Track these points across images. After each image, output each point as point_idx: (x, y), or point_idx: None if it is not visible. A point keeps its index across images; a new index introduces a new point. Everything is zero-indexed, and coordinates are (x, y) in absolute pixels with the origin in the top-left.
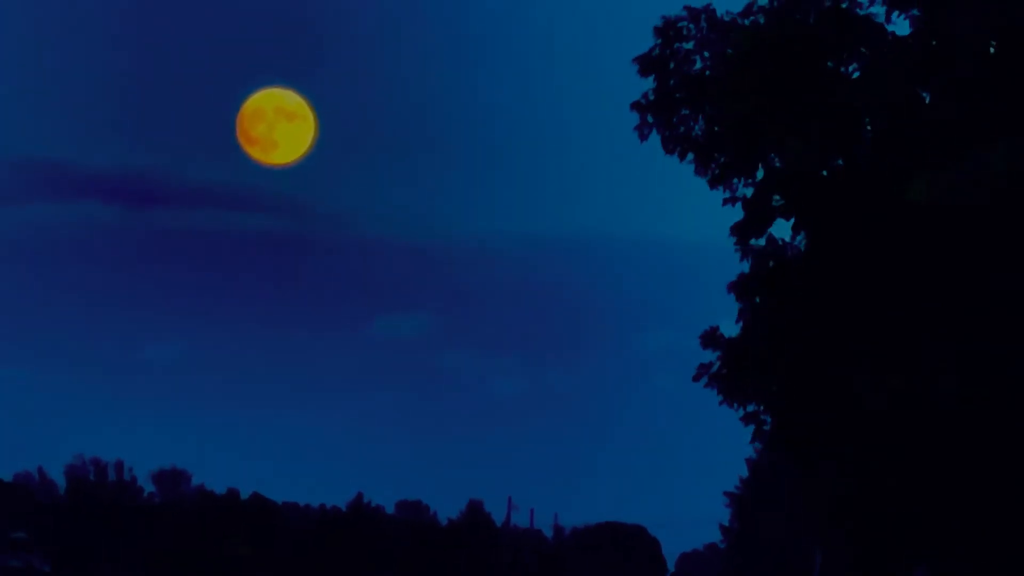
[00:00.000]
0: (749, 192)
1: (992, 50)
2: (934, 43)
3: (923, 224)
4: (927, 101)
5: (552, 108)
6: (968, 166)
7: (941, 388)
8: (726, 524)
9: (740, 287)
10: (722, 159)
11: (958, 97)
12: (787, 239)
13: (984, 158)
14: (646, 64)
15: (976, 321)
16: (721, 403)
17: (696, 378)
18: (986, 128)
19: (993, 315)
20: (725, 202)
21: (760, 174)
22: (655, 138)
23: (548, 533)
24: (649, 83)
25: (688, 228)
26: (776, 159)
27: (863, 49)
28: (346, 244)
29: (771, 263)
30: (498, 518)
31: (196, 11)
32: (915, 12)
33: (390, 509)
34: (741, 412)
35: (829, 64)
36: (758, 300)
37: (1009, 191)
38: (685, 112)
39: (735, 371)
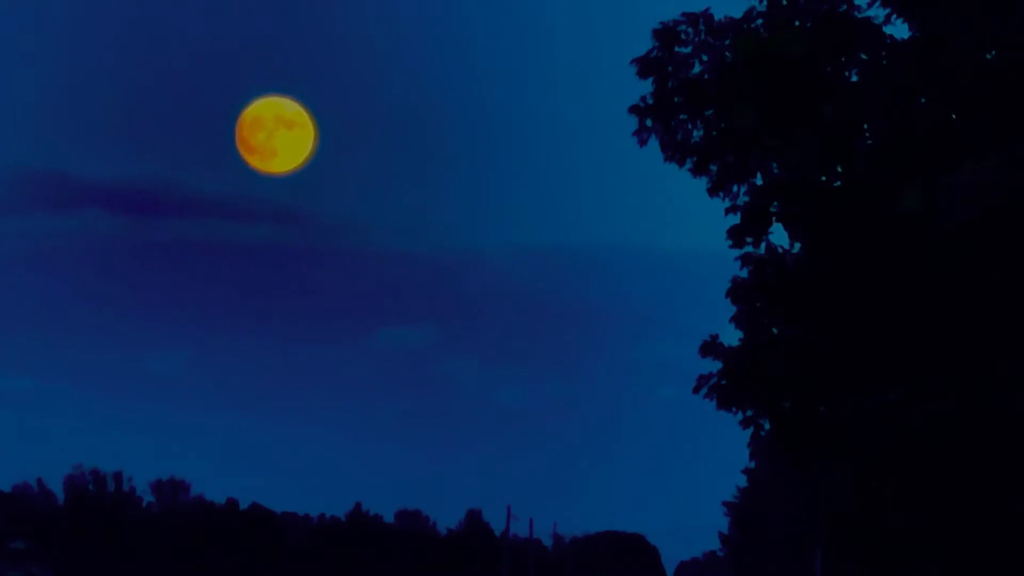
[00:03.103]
0: (748, 200)
1: (989, 56)
2: (932, 50)
3: (921, 232)
4: (925, 108)
5: (554, 117)
6: (963, 177)
7: (940, 395)
8: (725, 532)
9: (736, 293)
10: (720, 165)
11: (956, 105)
12: (785, 245)
13: (979, 168)
14: (644, 66)
15: (975, 329)
16: (719, 408)
17: (696, 389)
18: (983, 138)
19: (992, 323)
20: (727, 211)
21: (759, 180)
22: (655, 148)
23: (547, 542)
24: (647, 86)
25: (689, 237)
26: (774, 165)
27: (862, 54)
28: (346, 253)
29: (768, 270)
30: (497, 528)
31: (195, 20)
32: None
33: (389, 519)
34: (740, 416)
35: (828, 69)
36: (756, 306)
37: (1004, 201)
38: (684, 117)
39: (734, 381)
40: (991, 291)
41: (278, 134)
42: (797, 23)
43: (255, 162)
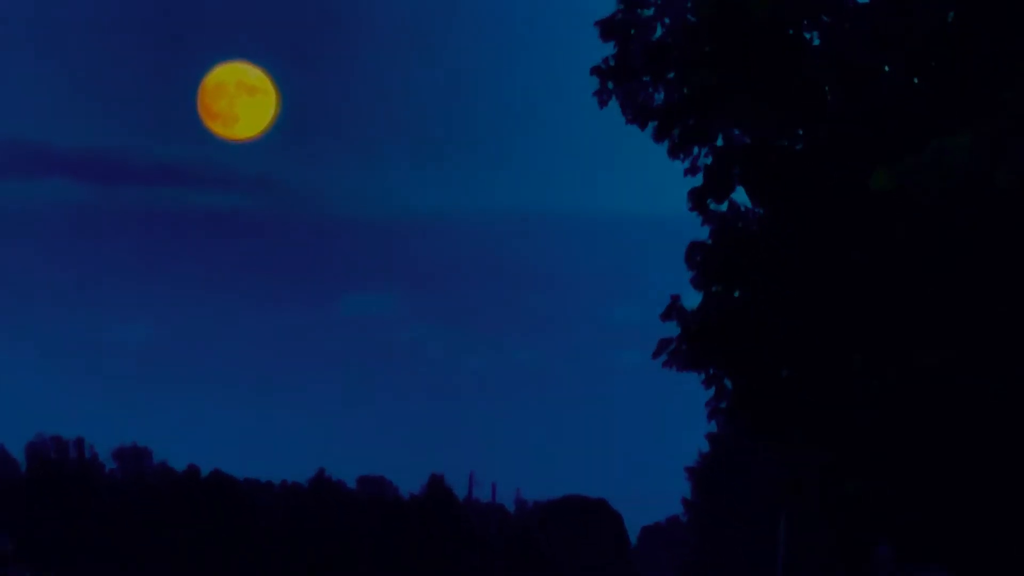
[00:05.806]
0: (710, 161)
1: (951, 17)
2: (889, 13)
3: (887, 204)
4: (888, 75)
5: (516, 82)
6: (930, 154)
7: (910, 361)
8: (688, 498)
9: (695, 255)
10: (682, 128)
11: (917, 75)
12: (748, 206)
13: (946, 145)
14: (607, 28)
15: (946, 310)
16: (680, 371)
17: (655, 355)
18: (949, 110)
19: (959, 290)
20: (686, 172)
21: (720, 142)
22: (618, 112)
23: (511, 508)
24: (611, 48)
25: (652, 202)
26: (737, 129)
27: (824, 17)
28: (310, 220)
29: (730, 228)
30: (460, 493)
31: None
32: None
33: (352, 484)
34: (703, 376)
35: (790, 32)
36: (716, 270)
37: (971, 181)
38: (646, 79)
39: (695, 344)
40: (967, 272)
41: (240, 100)
42: None
43: (217, 128)
